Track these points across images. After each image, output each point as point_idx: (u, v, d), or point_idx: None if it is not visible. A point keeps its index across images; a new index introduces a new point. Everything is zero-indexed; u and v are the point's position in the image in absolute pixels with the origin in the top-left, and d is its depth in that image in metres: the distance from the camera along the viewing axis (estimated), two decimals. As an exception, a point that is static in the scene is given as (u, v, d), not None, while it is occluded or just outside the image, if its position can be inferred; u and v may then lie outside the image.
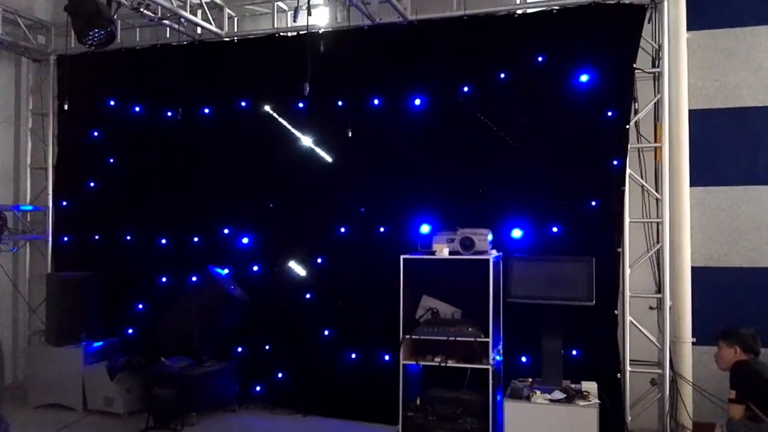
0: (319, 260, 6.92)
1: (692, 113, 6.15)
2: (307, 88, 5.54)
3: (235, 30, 7.46)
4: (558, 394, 5.14)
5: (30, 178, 8.25)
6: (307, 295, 6.93)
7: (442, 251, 5.46)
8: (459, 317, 5.63)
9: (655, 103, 6.16)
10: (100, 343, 7.19)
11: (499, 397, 5.36)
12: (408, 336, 5.38)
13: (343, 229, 6.83)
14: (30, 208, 8.06)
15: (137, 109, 7.71)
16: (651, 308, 6.19)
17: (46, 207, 8.03)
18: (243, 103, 7.26)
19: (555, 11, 6.21)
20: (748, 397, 4.67)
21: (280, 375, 7.00)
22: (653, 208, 6.22)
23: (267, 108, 7.07)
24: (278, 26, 7.20)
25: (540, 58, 6.25)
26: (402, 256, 5.45)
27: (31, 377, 7.29)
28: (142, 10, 6.53)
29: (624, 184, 6.00)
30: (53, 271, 7.87)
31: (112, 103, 7.83)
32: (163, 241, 7.51)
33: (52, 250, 8.01)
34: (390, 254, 5.69)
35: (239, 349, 7.17)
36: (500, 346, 5.64)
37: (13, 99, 8.26)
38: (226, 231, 7.28)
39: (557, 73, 6.18)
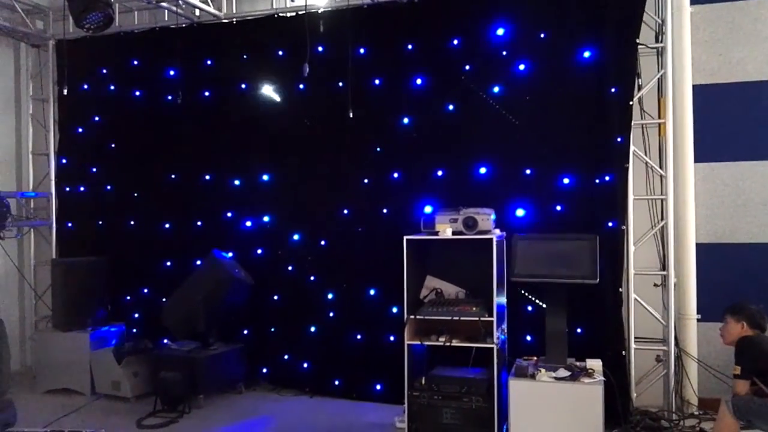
0: (323, 242, 6.92)
1: (696, 88, 6.08)
2: (307, 69, 5.51)
3: (234, 11, 7.39)
4: (563, 372, 5.13)
5: (32, 164, 8.24)
6: (312, 278, 6.95)
7: (446, 231, 5.43)
8: (463, 297, 5.61)
9: (658, 79, 6.10)
10: (107, 328, 7.25)
11: (503, 376, 5.37)
12: (413, 316, 5.38)
13: (346, 211, 6.83)
14: (33, 194, 8.07)
15: (137, 93, 7.69)
16: (656, 285, 6.17)
17: (49, 193, 8.03)
18: (243, 86, 7.21)
19: (556, -14, 6.14)
20: (752, 372, 4.66)
21: (286, 357, 7.04)
22: (657, 185, 6.18)
23: (268, 90, 7.03)
24: (277, 6, 7.14)
25: (542, 35, 6.19)
26: (405, 237, 5.42)
27: (38, 362, 7.38)
28: (139, -8, 6.49)
29: (628, 161, 5.94)
30: (58, 256, 7.90)
31: (112, 87, 7.80)
32: (167, 225, 7.52)
33: (56, 236, 8.04)
34: (393, 235, 5.65)
35: (245, 332, 7.21)
36: (504, 325, 5.64)
37: (12, 85, 8.24)
38: (229, 214, 7.28)
39: (559, 49, 6.11)
